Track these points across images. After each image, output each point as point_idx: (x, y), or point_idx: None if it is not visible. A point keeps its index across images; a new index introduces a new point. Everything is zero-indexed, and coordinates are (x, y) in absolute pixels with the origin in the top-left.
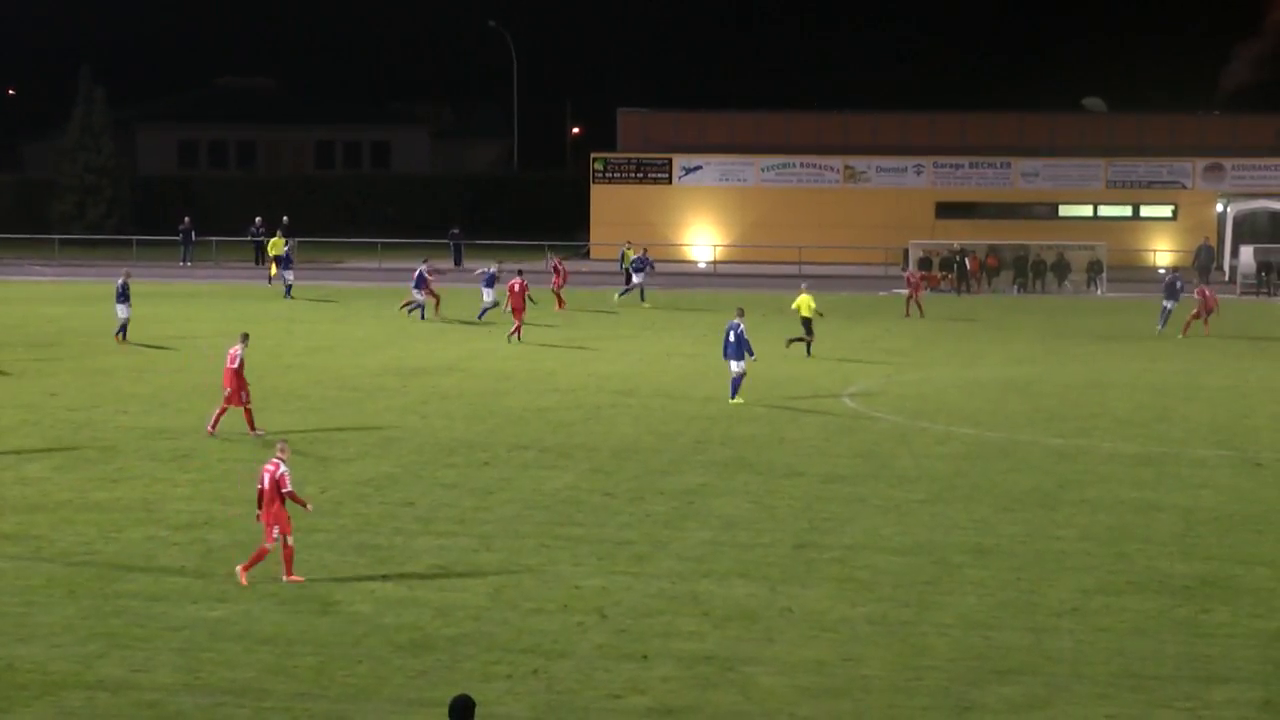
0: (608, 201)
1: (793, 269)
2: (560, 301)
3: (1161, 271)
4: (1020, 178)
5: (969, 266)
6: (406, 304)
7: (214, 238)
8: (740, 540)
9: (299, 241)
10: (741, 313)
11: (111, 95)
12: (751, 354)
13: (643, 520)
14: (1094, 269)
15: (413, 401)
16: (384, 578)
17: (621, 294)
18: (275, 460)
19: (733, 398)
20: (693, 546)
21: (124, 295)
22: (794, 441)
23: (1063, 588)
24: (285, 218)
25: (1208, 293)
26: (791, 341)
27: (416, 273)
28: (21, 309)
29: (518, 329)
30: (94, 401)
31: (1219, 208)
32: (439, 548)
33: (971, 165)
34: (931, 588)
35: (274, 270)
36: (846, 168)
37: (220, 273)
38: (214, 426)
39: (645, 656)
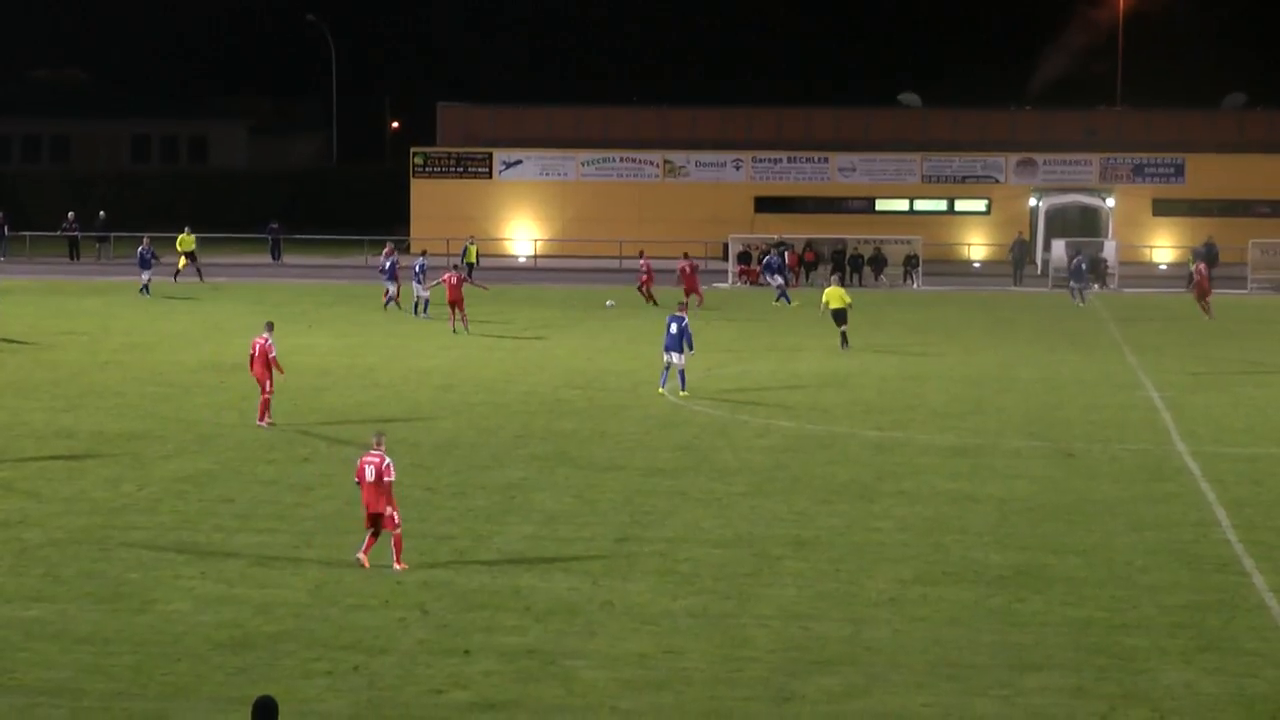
0: (428, 196)
1: (613, 263)
2: (650, 298)
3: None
4: (838, 172)
5: (787, 261)
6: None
7: (27, 233)
8: (561, 534)
9: (116, 237)
10: (683, 306)
11: None
12: (691, 348)
13: (464, 515)
14: (910, 263)
15: (232, 398)
16: (202, 575)
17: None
18: (377, 453)
19: (682, 389)
20: (514, 541)
21: None
22: (615, 435)
23: (881, 578)
24: (101, 213)
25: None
26: (843, 337)
27: (390, 262)
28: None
29: (464, 318)
30: None
31: (1032, 202)
32: (259, 544)
33: (790, 160)
34: (751, 580)
35: (183, 264)
36: (666, 162)
37: (34, 268)
38: (262, 418)
39: (467, 651)
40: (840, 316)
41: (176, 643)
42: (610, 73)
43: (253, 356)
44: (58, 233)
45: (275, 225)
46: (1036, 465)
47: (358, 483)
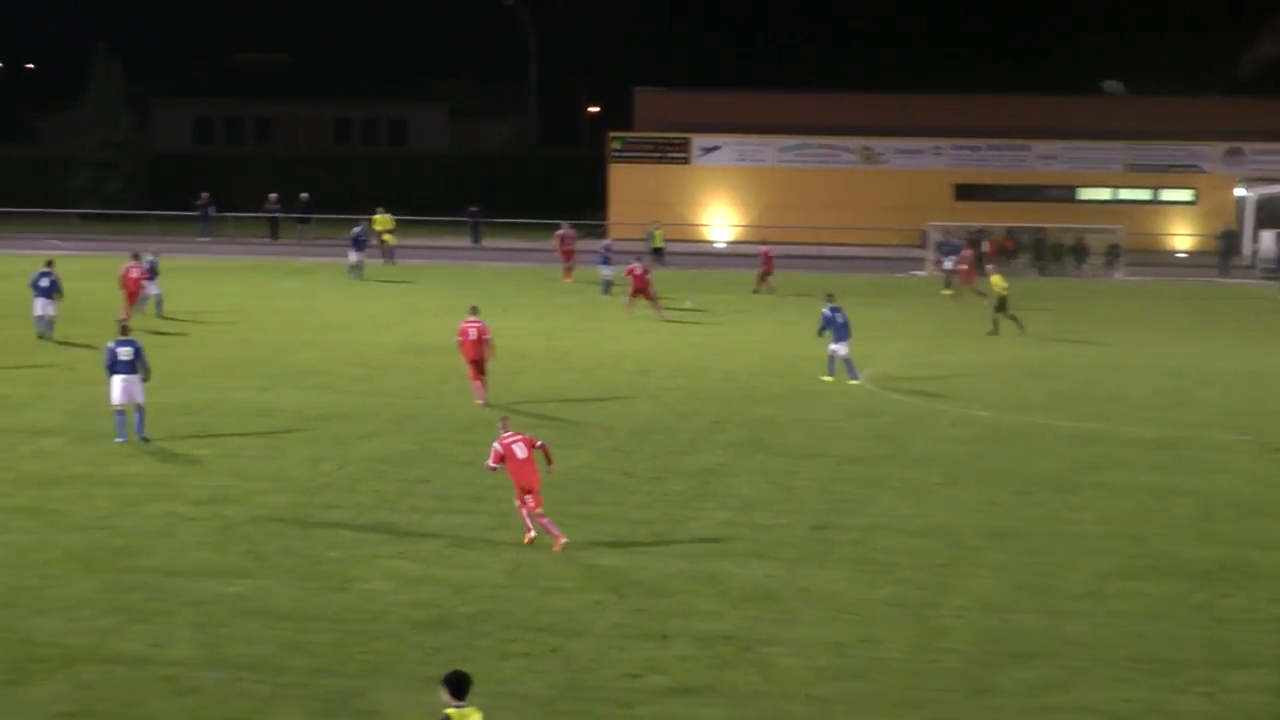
0: (625, 181)
1: (810, 249)
2: (766, 287)
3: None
4: (1038, 160)
5: (986, 249)
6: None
7: (231, 214)
8: (758, 521)
9: (317, 219)
10: (832, 297)
11: (129, 70)
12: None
13: (660, 500)
14: (1112, 252)
15: (429, 379)
16: (401, 555)
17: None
18: (515, 434)
19: (853, 378)
20: (710, 527)
21: (153, 273)
22: (812, 422)
23: (1080, 571)
24: (303, 194)
25: None
26: (1017, 324)
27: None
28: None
29: (656, 305)
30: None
31: (1239, 192)
32: (456, 525)
33: (990, 148)
34: (949, 570)
35: (389, 241)
36: (864, 149)
37: (237, 248)
38: (482, 396)
39: (663, 636)
40: (1002, 304)
41: (375, 621)
42: (807, 58)
43: (466, 340)
44: (260, 213)
45: (475, 209)
46: (1241, 459)
47: (497, 468)
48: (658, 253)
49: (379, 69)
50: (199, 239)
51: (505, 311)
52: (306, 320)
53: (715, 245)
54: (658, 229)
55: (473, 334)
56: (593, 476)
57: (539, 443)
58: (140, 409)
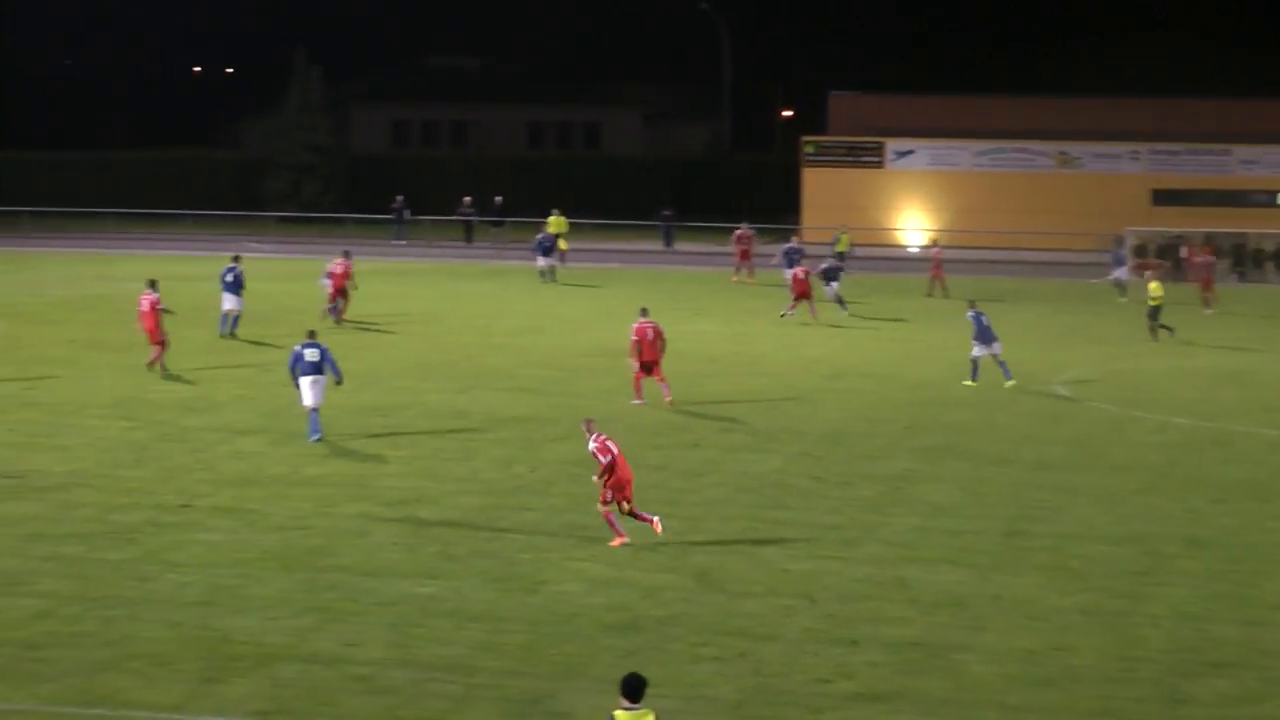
0: (819, 185)
1: (1003, 254)
2: (941, 286)
3: None
4: (1239, 165)
5: (1185, 255)
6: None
7: (425, 217)
8: (949, 527)
9: (511, 222)
10: (974, 302)
11: (327, 75)
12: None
13: (850, 505)
14: None
15: (620, 382)
16: (592, 558)
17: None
18: (601, 436)
19: (1008, 379)
20: (901, 532)
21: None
22: (1004, 428)
23: (1278, 581)
24: (498, 198)
25: None
26: (1168, 330)
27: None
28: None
29: (812, 309)
30: None
31: None
32: (647, 528)
33: (1189, 152)
34: (1143, 578)
35: (564, 246)
36: (1060, 153)
37: (431, 251)
38: (640, 396)
39: (853, 641)
40: (1155, 312)
41: (566, 623)
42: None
43: (644, 340)
44: (454, 216)
45: (668, 212)
46: None
47: (610, 462)
48: (841, 257)
49: (573, 73)
50: (394, 242)
51: (697, 315)
52: (499, 323)
53: (908, 250)
54: (844, 233)
55: (650, 334)
56: (783, 481)
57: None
58: (315, 411)
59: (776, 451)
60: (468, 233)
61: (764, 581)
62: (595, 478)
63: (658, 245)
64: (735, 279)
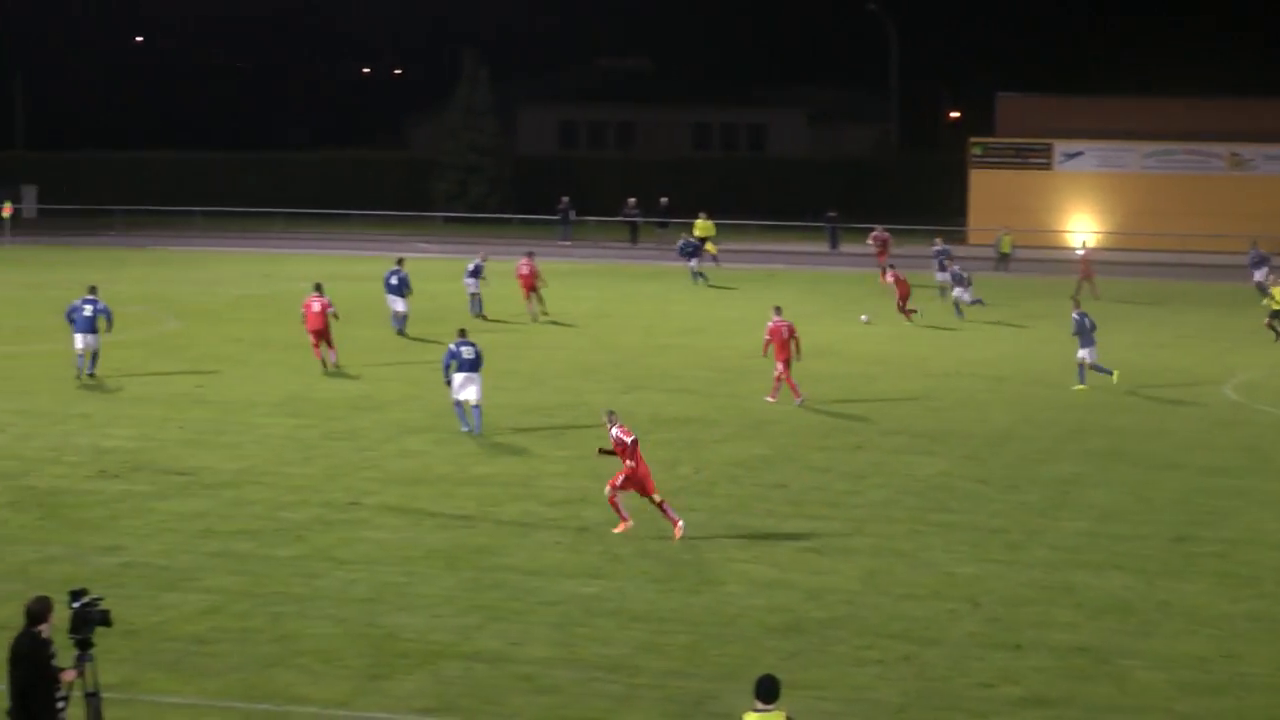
0: (986, 186)
1: (1172, 257)
2: (1090, 287)
3: None
4: None
5: None
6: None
7: (590, 217)
8: (1116, 531)
9: (676, 223)
10: (1079, 303)
11: (495, 75)
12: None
13: (1016, 509)
14: None
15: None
16: (755, 559)
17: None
18: (622, 426)
19: (1106, 373)
20: (1067, 536)
21: (478, 274)
22: (1173, 433)
23: None
24: (663, 199)
25: None
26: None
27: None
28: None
29: (907, 313)
30: None
31: None
32: (811, 530)
33: None
34: None
35: (712, 249)
36: (1231, 154)
37: (597, 251)
38: (774, 394)
39: (1018, 646)
40: (1276, 315)
41: (730, 625)
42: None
43: (778, 339)
44: (619, 217)
45: (833, 214)
46: None
47: (615, 453)
48: (1004, 259)
49: (739, 75)
50: (559, 242)
51: (870, 321)
52: (663, 324)
53: (1076, 253)
54: (1006, 234)
55: (785, 334)
56: (948, 484)
57: (631, 436)
58: (478, 407)
59: (941, 454)
60: (632, 234)
61: (928, 584)
62: (600, 450)
63: (823, 247)
64: (882, 282)
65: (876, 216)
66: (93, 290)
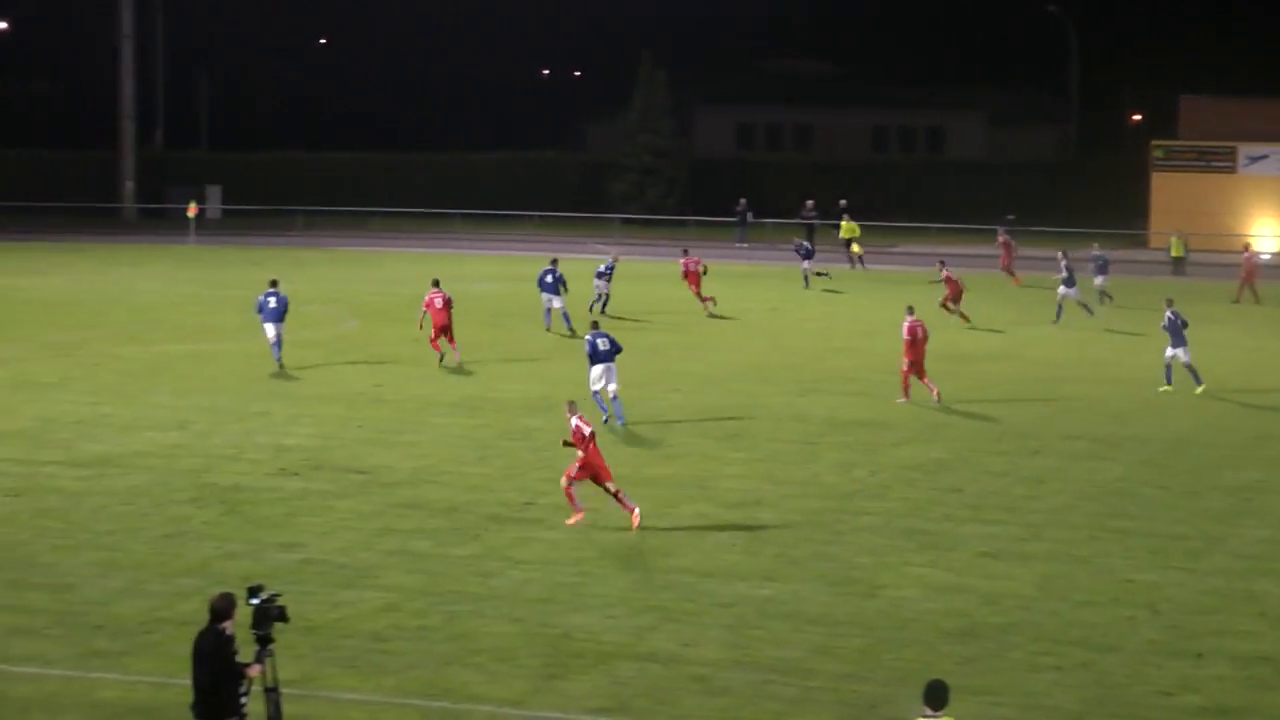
0: (1167, 190)
1: None
2: (1251, 292)
3: None
4: None
5: None
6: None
7: (767, 220)
8: None
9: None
10: (1171, 302)
11: (672, 77)
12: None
13: (1197, 515)
14: None
15: (962, 387)
16: (931, 563)
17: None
18: (582, 417)
19: (1198, 383)
20: (1250, 544)
21: (606, 274)
22: None
23: None
24: (842, 201)
25: None
26: None
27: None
28: (581, 286)
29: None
30: (646, 379)
31: None
32: (986, 535)
33: None
34: None
35: (857, 250)
36: None
37: (774, 254)
38: (936, 394)
39: (1199, 655)
40: None
41: (904, 629)
42: None
43: (916, 338)
44: (796, 219)
45: (1011, 216)
46: None
47: (574, 444)
48: (1178, 263)
49: (918, 76)
50: (736, 244)
51: (1038, 322)
52: (839, 326)
53: (1261, 257)
54: (1178, 238)
55: (920, 333)
56: (1127, 489)
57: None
58: (616, 398)
59: (1120, 459)
60: (809, 236)
61: (1106, 591)
62: (564, 443)
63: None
64: (1016, 283)
65: (1057, 219)
66: (274, 283)
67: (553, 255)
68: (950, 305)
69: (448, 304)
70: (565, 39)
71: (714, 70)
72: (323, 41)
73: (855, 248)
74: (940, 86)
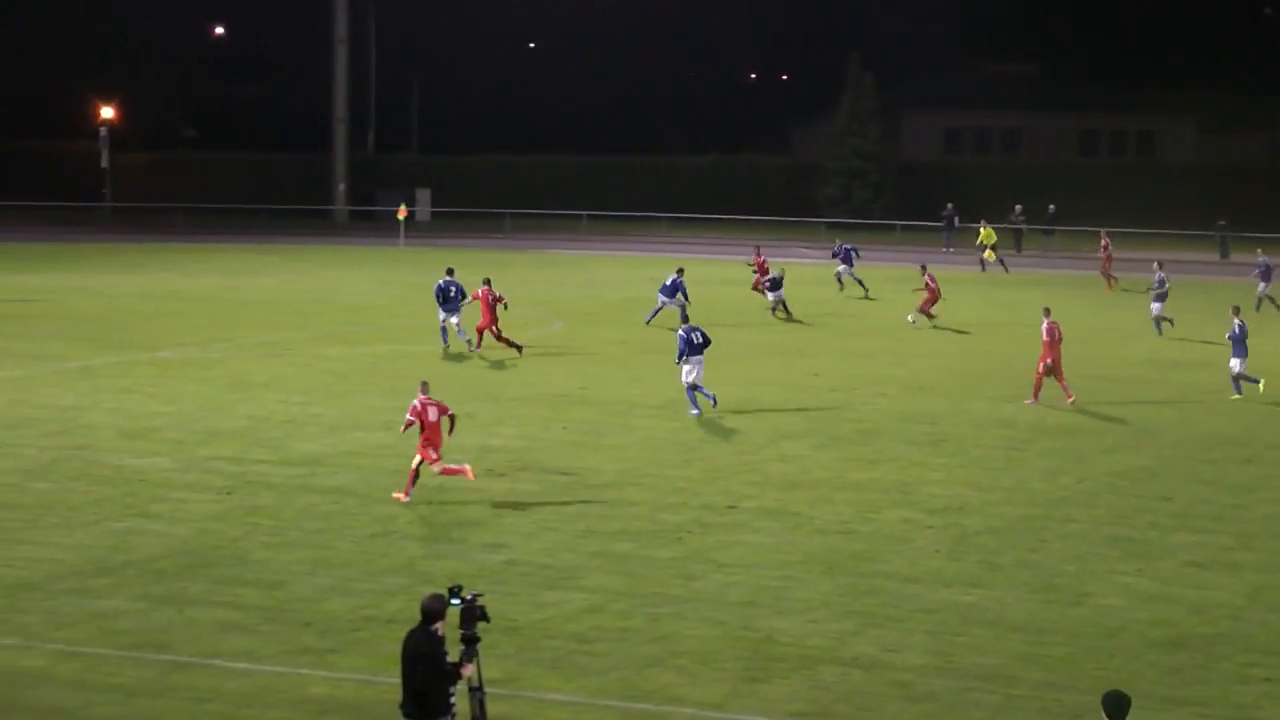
0: None
1: None
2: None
3: None
4: None
5: None
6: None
7: (975, 225)
8: None
9: (1061, 231)
10: (1238, 310)
11: (879, 81)
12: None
13: None
14: None
15: (1171, 394)
16: (1138, 571)
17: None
18: (430, 398)
19: (1253, 381)
20: None
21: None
22: None
23: None
24: (1051, 206)
25: None
26: None
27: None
28: (786, 290)
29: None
30: (853, 383)
31: None
32: (1194, 544)
33: None
34: None
35: (990, 256)
36: None
37: (979, 260)
38: (1071, 397)
39: None
40: None
41: (1110, 638)
42: None
43: (1053, 339)
44: (1004, 224)
45: (1223, 222)
46: None
47: (414, 424)
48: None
49: (1127, 80)
50: (944, 250)
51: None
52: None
53: None
54: None
55: (1058, 334)
56: None
57: (450, 411)
58: (700, 387)
59: None
60: (1017, 241)
61: None
62: (402, 429)
63: (1212, 256)
64: (1108, 289)
65: (1268, 226)
66: (450, 271)
67: (679, 265)
68: (928, 310)
69: (495, 301)
70: (773, 42)
71: (922, 74)
72: (531, 45)
73: (989, 254)
74: (1151, 90)
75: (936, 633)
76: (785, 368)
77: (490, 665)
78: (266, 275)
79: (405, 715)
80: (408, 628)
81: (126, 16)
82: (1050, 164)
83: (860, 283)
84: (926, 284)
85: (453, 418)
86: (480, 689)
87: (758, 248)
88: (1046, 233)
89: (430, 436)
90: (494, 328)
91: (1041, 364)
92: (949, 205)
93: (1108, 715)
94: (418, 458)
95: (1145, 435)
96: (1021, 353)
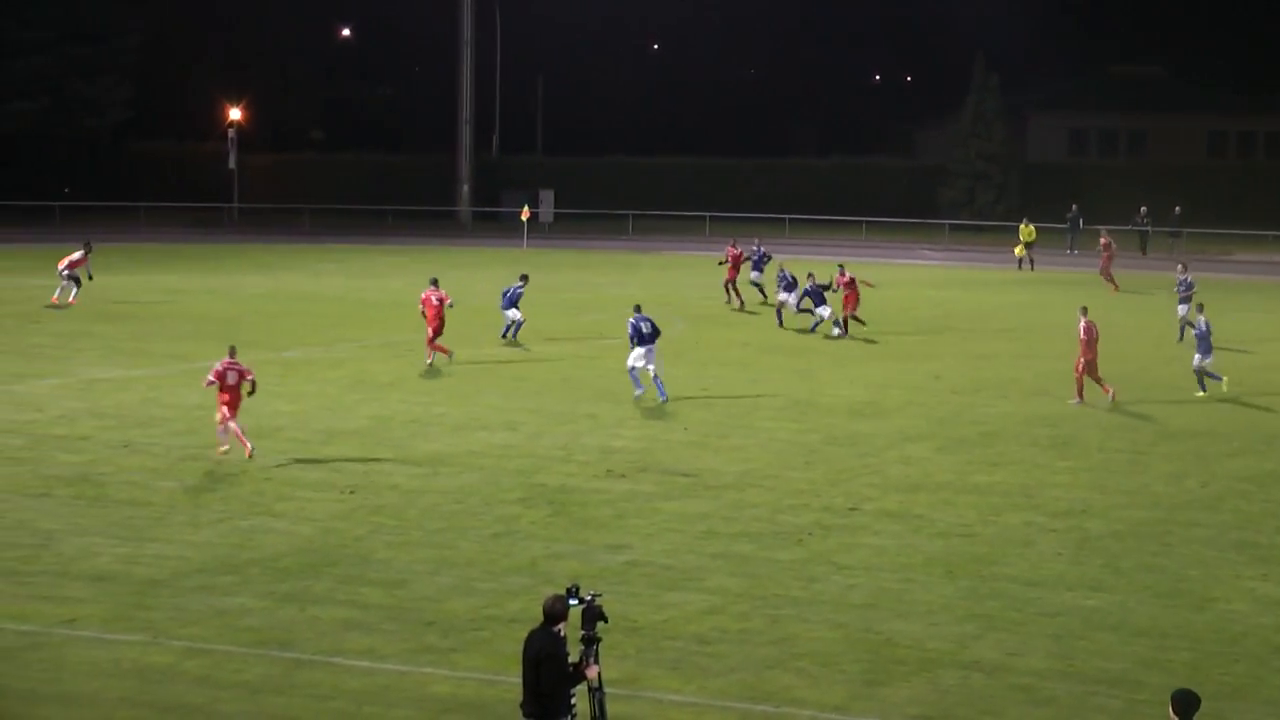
0: None
1: None
2: None
3: None
4: None
5: None
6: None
7: (1100, 226)
8: None
9: (1189, 233)
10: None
11: (1004, 82)
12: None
13: None
14: None
15: None
16: (1264, 576)
17: None
18: (235, 362)
19: (1216, 378)
20: None
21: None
22: None
23: None
24: (1177, 208)
25: None
26: None
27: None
28: (909, 292)
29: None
30: (976, 385)
31: None
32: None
33: None
34: None
35: (1020, 252)
36: None
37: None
38: (1110, 393)
39: None
40: None
41: (1235, 643)
42: None
43: (1090, 339)
44: (1129, 226)
45: None
46: None
47: (214, 384)
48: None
49: (1255, 81)
50: (1067, 252)
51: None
52: (1171, 334)
53: None
54: None
55: (1094, 333)
56: None
57: (250, 375)
58: (657, 377)
59: None
60: (1143, 244)
61: None
62: (204, 385)
63: None
64: (1113, 292)
65: None
66: (523, 278)
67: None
68: (853, 313)
69: (442, 302)
70: (898, 44)
71: (1047, 75)
72: (655, 47)
73: (1019, 250)
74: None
75: (1059, 637)
76: (907, 370)
77: (611, 666)
78: (391, 276)
79: (526, 715)
80: (529, 628)
81: (255, 18)
82: (1176, 165)
83: (760, 289)
84: (838, 281)
85: (253, 382)
86: (600, 689)
87: (734, 241)
88: (1173, 235)
89: (230, 399)
90: (434, 329)
91: (1080, 363)
92: (1074, 206)
93: (1176, 713)
94: (218, 414)
95: (1273, 438)
96: (1147, 355)
